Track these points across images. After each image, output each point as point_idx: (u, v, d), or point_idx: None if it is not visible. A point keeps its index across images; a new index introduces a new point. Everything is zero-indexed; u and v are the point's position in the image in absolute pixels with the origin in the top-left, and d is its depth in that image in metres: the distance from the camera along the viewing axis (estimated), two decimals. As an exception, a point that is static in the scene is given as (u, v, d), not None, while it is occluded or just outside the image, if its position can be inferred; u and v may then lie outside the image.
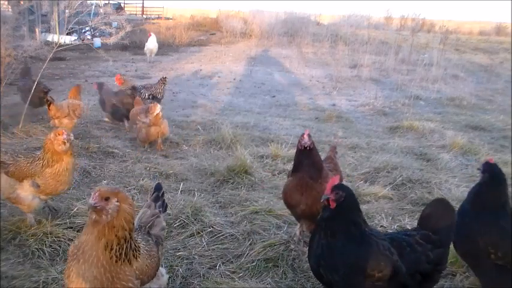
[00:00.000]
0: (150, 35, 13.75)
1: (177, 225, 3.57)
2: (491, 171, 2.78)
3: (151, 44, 13.57)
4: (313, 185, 3.09)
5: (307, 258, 2.65)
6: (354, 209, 2.44)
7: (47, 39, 13.07)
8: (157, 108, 5.34)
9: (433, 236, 2.37)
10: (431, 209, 2.45)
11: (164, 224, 2.67)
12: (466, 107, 9.52)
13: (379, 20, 27.72)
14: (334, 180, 2.49)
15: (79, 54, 14.02)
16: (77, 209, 3.64)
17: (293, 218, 3.80)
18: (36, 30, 13.66)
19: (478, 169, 2.86)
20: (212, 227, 3.57)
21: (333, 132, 6.97)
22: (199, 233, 3.49)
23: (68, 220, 3.47)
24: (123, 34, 6.84)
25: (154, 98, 6.85)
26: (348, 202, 2.41)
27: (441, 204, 2.46)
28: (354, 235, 2.36)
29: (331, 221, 2.40)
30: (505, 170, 5.17)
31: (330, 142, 6.34)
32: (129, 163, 5.02)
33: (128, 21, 7.32)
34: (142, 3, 34.46)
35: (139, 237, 2.32)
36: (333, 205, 2.40)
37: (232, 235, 3.51)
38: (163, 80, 6.97)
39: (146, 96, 6.83)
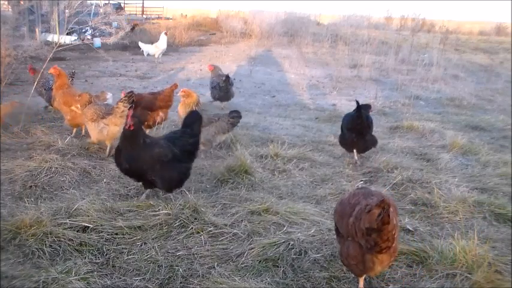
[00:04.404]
0: (167, 33, 14.16)
1: (177, 225, 3.57)
2: (359, 107, 5.04)
3: (163, 44, 13.77)
4: None
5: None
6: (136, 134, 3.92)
7: (47, 39, 13.08)
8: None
9: (189, 131, 4.23)
10: (186, 118, 4.40)
11: None
12: (466, 107, 9.51)
13: (379, 20, 27.68)
14: (130, 113, 3.88)
15: (79, 54, 14.01)
16: (77, 209, 3.63)
17: (294, 218, 3.81)
18: (36, 30, 13.66)
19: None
20: (212, 227, 3.56)
21: (332, 132, 6.96)
22: (199, 232, 3.49)
23: (68, 220, 3.46)
24: (123, 34, 6.85)
25: None
26: (135, 128, 3.87)
27: (191, 114, 4.45)
28: (143, 145, 3.92)
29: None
30: (505, 170, 5.25)
31: (330, 142, 6.35)
32: (129, 163, 5.00)
33: (128, 21, 7.33)
34: (142, 3, 34.51)
35: None
36: (131, 128, 3.83)
37: (232, 235, 3.51)
38: (71, 75, 6.87)
39: None
